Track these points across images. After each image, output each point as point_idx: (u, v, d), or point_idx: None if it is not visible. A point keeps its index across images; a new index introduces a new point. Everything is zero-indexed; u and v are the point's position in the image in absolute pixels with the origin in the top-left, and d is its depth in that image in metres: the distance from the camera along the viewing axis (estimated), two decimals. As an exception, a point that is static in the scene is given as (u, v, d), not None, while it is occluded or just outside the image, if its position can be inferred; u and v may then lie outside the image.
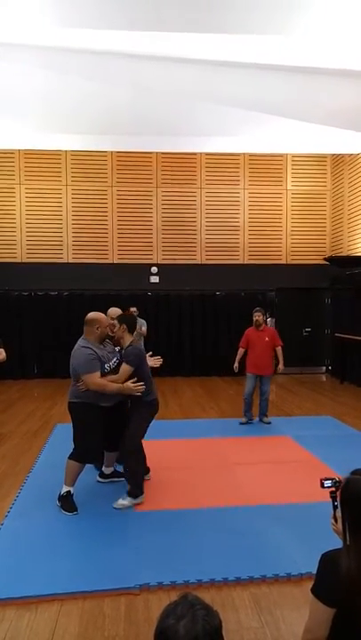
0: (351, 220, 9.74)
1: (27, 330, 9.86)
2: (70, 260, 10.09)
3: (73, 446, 3.79)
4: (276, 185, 10.57)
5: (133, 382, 3.66)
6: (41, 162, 9.99)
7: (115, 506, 3.76)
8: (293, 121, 6.97)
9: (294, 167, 10.61)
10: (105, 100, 6.21)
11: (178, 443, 5.41)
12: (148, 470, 4.27)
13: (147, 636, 2.36)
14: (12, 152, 9.86)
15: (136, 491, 3.81)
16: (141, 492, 3.85)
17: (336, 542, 1.78)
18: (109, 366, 3.81)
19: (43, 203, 10.06)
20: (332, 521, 1.75)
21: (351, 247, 9.70)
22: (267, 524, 3.48)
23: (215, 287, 10.23)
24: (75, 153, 9.96)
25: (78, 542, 3.23)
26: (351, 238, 9.74)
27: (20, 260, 9.98)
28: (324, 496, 1.94)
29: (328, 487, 1.78)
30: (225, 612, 2.50)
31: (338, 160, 10.33)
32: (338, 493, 1.73)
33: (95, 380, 3.57)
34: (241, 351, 6.32)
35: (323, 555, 1.66)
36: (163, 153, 10.15)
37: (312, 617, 1.63)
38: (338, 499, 1.71)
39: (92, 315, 3.82)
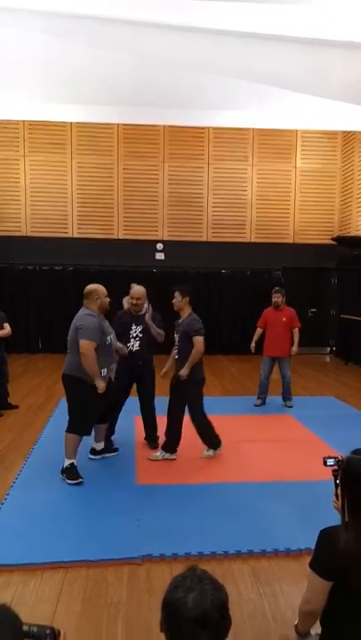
0: (361, 199, 9.58)
1: (31, 304, 9.87)
2: (75, 235, 10.02)
3: (68, 419, 3.82)
4: (286, 162, 10.36)
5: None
6: (46, 133, 9.80)
7: (201, 455, 4.29)
8: (305, 96, 6.77)
9: (304, 144, 10.38)
10: (110, 70, 6.03)
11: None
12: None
13: (148, 603, 2.44)
14: (15, 123, 9.67)
15: (215, 443, 4.35)
16: (220, 442, 4.36)
17: (335, 520, 1.81)
18: (110, 338, 3.90)
19: (47, 176, 9.92)
20: (334, 498, 1.78)
21: (360, 227, 9.56)
22: (268, 500, 3.54)
23: (221, 265, 10.14)
24: (80, 125, 9.75)
25: (82, 513, 3.30)
26: (360, 218, 9.59)
27: (24, 234, 9.92)
28: (325, 475, 1.96)
29: (331, 465, 1.81)
30: (225, 584, 2.53)
31: (349, 137, 10.08)
32: (340, 471, 1.76)
33: (89, 346, 3.58)
34: (259, 331, 6.22)
35: (321, 531, 1.71)
36: (170, 127, 9.93)
37: (310, 589, 1.70)
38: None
39: (90, 286, 3.90)
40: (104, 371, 3.78)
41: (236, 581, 2.63)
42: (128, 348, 4.30)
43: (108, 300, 3.94)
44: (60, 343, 9.17)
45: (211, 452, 4.35)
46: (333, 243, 10.11)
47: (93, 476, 3.87)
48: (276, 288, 6.35)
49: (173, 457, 4.28)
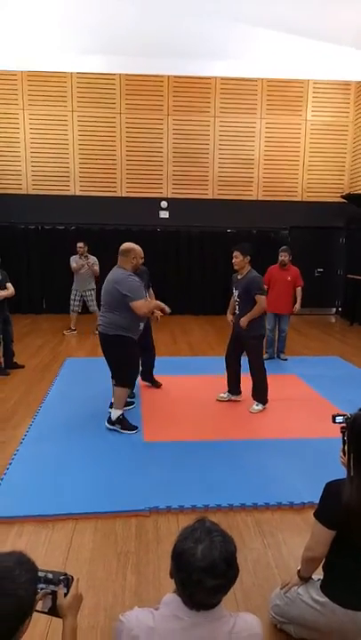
0: (372, 154, 9.24)
1: (34, 264, 9.80)
2: (77, 193, 9.79)
3: (113, 374, 4.09)
4: (296, 115, 9.94)
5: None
6: (45, 85, 9.40)
7: (251, 410, 4.48)
8: (317, 42, 6.39)
9: (315, 95, 9.91)
10: (110, 16, 5.69)
11: (187, 378, 5.52)
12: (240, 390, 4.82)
13: (156, 552, 2.53)
14: (13, 74, 9.26)
15: (265, 398, 4.56)
16: (268, 400, 4.58)
17: (337, 475, 1.84)
18: (148, 295, 4.22)
19: (48, 130, 9.59)
20: (341, 454, 1.83)
21: (370, 184, 9.29)
22: (272, 457, 3.61)
23: (227, 224, 9.94)
24: (81, 75, 9.34)
25: (91, 469, 3.38)
26: (371, 174, 9.30)
27: (25, 192, 9.71)
28: (328, 432, 1.98)
29: (339, 423, 1.84)
30: (230, 534, 2.66)
31: (363, 87, 9.61)
32: (348, 427, 1.79)
33: (145, 303, 3.87)
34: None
35: (327, 483, 1.78)
36: (175, 77, 9.49)
37: (313, 537, 1.78)
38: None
39: (127, 245, 3.98)
40: (141, 324, 4.03)
41: (240, 532, 2.72)
42: None
43: (142, 260, 4.10)
44: (63, 303, 9.23)
45: (260, 407, 4.54)
46: (343, 201, 9.85)
47: (101, 435, 3.95)
48: (284, 247, 6.48)
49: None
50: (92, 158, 9.74)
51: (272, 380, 5.56)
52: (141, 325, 4.04)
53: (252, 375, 4.56)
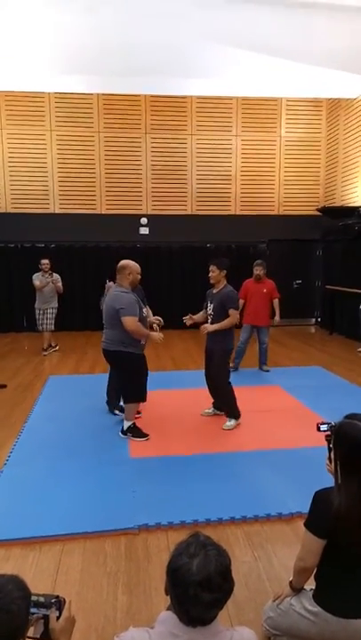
0: (346, 168, 9.53)
1: (15, 282, 9.70)
2: (57, 211, 9.80)
3: (122, 389, 4.27)
4: (270, 132, 10.20)
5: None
6: (23, 105, 9.45)
7: (223, 427, 4.40)
8: (289, 62, 6.62)
9: (288, 112, 10.21)
10: (88, 35, 5.79)
11: (171, 393, 5.52)
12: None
13: (146, 571, 2.50)
14: (-9, 93, 9.29)
15: (236, 412, 4.46)
16: (240, 414, 4.48)
17: (324, 483, 1.87)
18: (145, 311, 4.22)
19: (26, 149, 9.61)
20: (327, 462, 1.85)
21: (345, 197, 9.55)
22: (258, 468, 3.62)
23: (206, 239, 10.07)
24: (58, 95, 9.43)
25: (78, 488, 3.33)
26: (345, 188, 9.57)
27: (5, 211, 9.67)
28: (312, 441, 2.01)
29: (324, 431, 1.87)
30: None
31: (334, 105, 9.95)
32: (333, 435, 1.82)
33: (135, 321, 3.88)
34: (240, 302, 6.34)
35: (316, 492, 1.79)
36: (152, 96, 9.66)
37: (304, 547, 1.79)
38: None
39: (123, 262, 4.09)
40: (143, 340, 4.08)
41: (230, 545, 2.71)
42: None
43: (139, 277, 4.14)
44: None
45: (233, 422, 4.46)
46: (318, 214, 10.09)
47: (88, 452, 3.91)
48: (258, 261, 6.61)
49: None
50: (72, 176, 9.78)
51: (256, 392, 5.62)
52: (143, 340, 4.09)
53: (215, 390, 4.54)
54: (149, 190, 10.02)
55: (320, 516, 1.73)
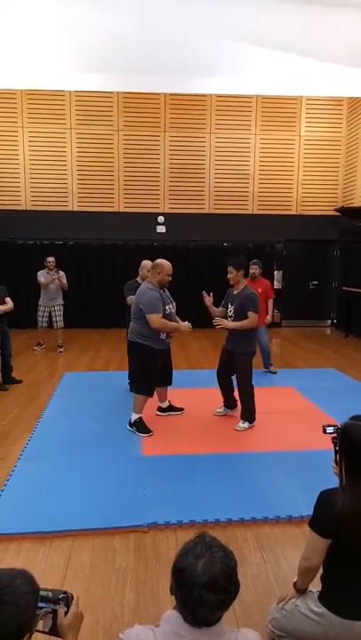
0: (365, 169, 9.39)
1: (34, 279, 9.80)
2: (75, 209, 9.89)
3: (130, 380, 4.41)
4: (289, 130, 10.11)
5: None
6: (44, 104, 9.55)
7: (236, 428, 4.39)
8: (310, 60, 6.54)
9: (308, 112, 10.10)
10: (108, 35, 5.81)
11: (185, 392, 5.51)
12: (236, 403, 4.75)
13: (155, 568, 2.52)
14: (13, 93, 9.41)
15: (252, 417, 4.46)
16: (255, 419, 4.48)
17: (334, 485, 1.86)
18: (170, 308, 4.26)
19: (46, 147, 9.72)
20: (333, 464, 1.85)
21: (364, 198, 9.42)
22: (270, 469, 3.61)
23: (223, 238, 10.04)
24: (79, 94, 9.50)
25: (89, 485, 3.37)
26: (364, 188, 9.43)
27: (24, 208, 9.79)
28: (325, 444, 2.00)
29: (330, 433, 1.89)
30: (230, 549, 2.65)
31: (355, 104, 9.80)
32: (338, 437, 1.82)
33: (158, 319, 4.02)
34: None
35: (321, 492, 1.79)
36: (171, 95, 9.66)
37: (309, 547, 1.80)
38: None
39: (158, 260, 4.25)
40: (163, 335, 4.17)
41: (239, 547, 2.72)
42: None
43: (169, 278, 4.23)
44: (64, 318, 9.27)
45: (247, 425, 4.45)
46: (336, 214, 9.97)
47: (100, 450, 3.94)
48: (255, 260, 6.47)
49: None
50: (91, 174, 9.85)
51: (269, 393, 5.59)
52: (164, 335, 4.17)
53: (239, 394, 4.51)
54: (167, 188, 10.03)
55: (324, 516, 1.73)
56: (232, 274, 4.42)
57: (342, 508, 1.66)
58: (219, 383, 4.73)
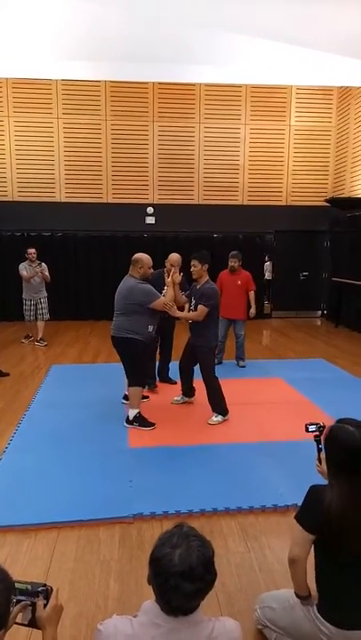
0: (355, 159, 9.37)
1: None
2: (63, 200, 9.77)
3: (127, 375, 4.33)
4: (279, 120, 10.04)
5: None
6: (30, 93, 9.39)
7: (209, 422, 4.35)
8: (298, 48, 6.47)
9: (298, 101, 10.04)
10: (94, 23, 5.70)
11: (167, 386, 5.51)
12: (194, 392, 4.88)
13: (139, 559, 2.52)
14: (-2, 81, 9.24)
15: (223, 409, 4.43)
16: (227, 411, 4.45)
17: (320, 477, 1.85)
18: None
19: (33, 137, 9.57)
20: (317, 462, 1.85)
21: (354, 188, 9.41)
22: (256, 460, 3.62)
23: (213, 229, 9.99)
24: (66, 82, 9.34)
25: (75, 477, 3.35)
26: (354, 179, 9.42)
27: (11, 199, 9.66)
28: (312, 435, 2.00)
29: (312, 431, 1.89)
30: (213, 539, 2.64)
31: (345, 93, 9.76)
32: (322, 437, 1.83)
33: (161, 301, 4.15)
34: None
35: (311, 487, 1.79)
36: (159, 84, 9.54)
37: (293, 539, 1.80)
38: (322, 442, 1.81)
39: (136, 255, 4.26)
40: (150, 327, 4.21)
41: (224, 536, 2.72)
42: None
43: (150, 270, 4.27)
44: (52, 310, 9.22)
45: (220, 418, 4.42)
46: (326, 205, 9.96)
47: (86, 442, 3.92)
48: (234, 252, 6.35)
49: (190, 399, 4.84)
50: (78, 165, 9.73)
51: (257, 384, 5.61)
52: (151, 328, 4.23)
53: (205, 387, 4.47)
54: (156, 179, 9.94)
55: (311, 511, 1.73)
56: (196, 267, 4.39)
57: (330, 504, 1.67)
58: (180, 374, 4.81)
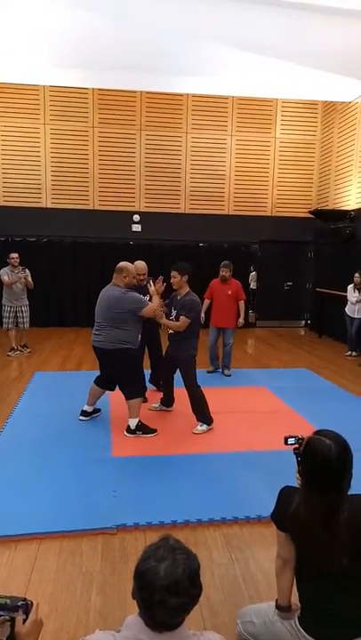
0: (339, 172, 9.55)
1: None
2: (49, 205, 9.72)
3: (122, 387, 4.28)
4: (265, 132, 10.20)
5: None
6: (17, 97, 9.35)
7: (194, 431, 4.35)
8: (284, 63, 6.60)
9: (284, 114, 10.22)
10: (84, 31, 5.73)
11: (156, 393, 5.48)
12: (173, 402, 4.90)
13: (122, 571, 2.48)
14: (-15, 85, 9.19)
15: (207, 418, 4.42)
16: (212, 420, 4.45)
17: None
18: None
19: (20, 142, 9.52)
20: (297, 475, 1.86)
21: (337, 200, 9.58)
22: (240, 469, 3.61)
23: (198, 238, 10.05)
24: (53, 89, 9.34)
25: (57, 487, 3.30)
26: (337, 191, 9.59)
27: (-4, 204, 9.57)
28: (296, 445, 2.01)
29: (291, 444, 1.89)
30: (197, 550, 2.61)
31: (329, 108, 9.96)
32: (301, 450, 1.84)
33: (151, 307, 4.15)
34: (206, 302, 6.33)
35: (283, 488, 1.83)
36: (147, 93, 9.61)
37: (277, 538, 1.83)
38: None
39: (121, 264, 4.26)
40: (139, 335, 4.27)
41: (208, 547, 2.70)
42: None
43: (134, 280, 4.32)
44: (36, 316, 9.14)
45: (204, 427, 4.41)
46: (311, 216, 10.11)
47: (70, 450, 3.87)
48: (225, 262, 6.40)
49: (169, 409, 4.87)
50: (65, 171, 9.70)
51: (242, 392, 5.62)
52: (139, 336, 4.28)
53: (188, 396, 4.45)
54: (143, 187, 9.97)
55: (281, 509, 1.76)
56: (176, 278, 4.41)
57: (297, 507, 1.68)
58: (162, 383, 4.90)
